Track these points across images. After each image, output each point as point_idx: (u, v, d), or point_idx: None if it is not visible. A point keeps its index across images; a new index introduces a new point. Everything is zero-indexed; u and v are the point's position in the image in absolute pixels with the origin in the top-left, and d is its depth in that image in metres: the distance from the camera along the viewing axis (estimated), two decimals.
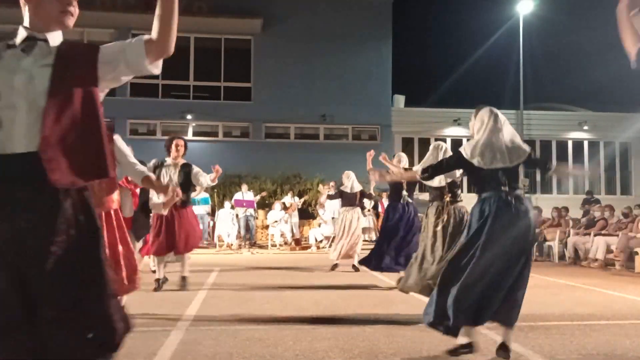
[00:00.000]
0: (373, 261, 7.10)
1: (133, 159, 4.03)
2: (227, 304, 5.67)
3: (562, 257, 11.20)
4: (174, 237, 6.19)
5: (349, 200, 8.99)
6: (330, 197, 10.33)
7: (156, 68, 2.04)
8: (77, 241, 1.85)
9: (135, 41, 2.00)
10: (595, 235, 10.50)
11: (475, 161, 3.59)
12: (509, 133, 3.66)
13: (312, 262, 10.23)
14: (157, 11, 1.96)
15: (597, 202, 15.09)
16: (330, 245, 13.65)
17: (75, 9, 2.01)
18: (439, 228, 5.21)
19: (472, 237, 3.51)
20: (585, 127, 20.06)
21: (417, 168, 5.10)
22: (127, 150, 4.06)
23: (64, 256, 1.82)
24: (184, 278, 6.56)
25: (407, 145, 19.80)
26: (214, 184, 6.77)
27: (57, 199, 1.85)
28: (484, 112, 3.73)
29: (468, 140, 3.87)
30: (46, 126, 1.84)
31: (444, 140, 19.82)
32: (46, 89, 1.87)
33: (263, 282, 7.34)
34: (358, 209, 9.03)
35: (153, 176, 4.11)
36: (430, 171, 3.86)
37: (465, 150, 3.66)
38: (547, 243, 11.59)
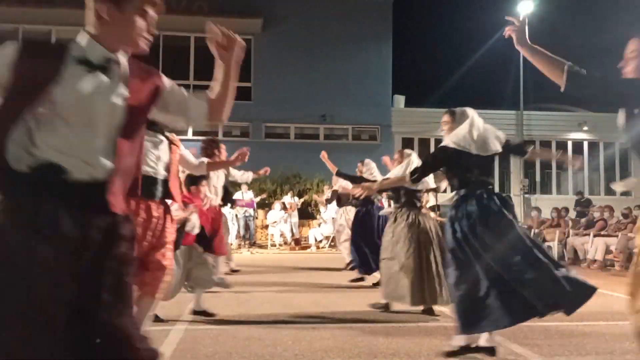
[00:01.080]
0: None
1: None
2: (226, 303, 5.67)
3: (561, 257, 11.17)
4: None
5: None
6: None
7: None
8: None
9: (199, 103, 2.01)
10: (594, 236, 10.50)
11: (471, 148, 3.55)
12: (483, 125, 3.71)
13: (312, 262, 10.23)
14: (218, 76, 1.99)
15: (589, 202, 15.11)
16: (329, 245, 13.68)
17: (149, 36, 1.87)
18: (404, 235, 5.06)
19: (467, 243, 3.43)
20: (585, 128, 20.05)
21: (394, 173, 5.01)
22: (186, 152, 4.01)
23: None
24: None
25: (407, 146, 19.77)
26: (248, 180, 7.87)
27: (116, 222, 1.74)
28: (462, 110, 3.77)
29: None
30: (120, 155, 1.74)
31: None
32: (121, 115, 1.75)
33: (263, 282, 7.34)
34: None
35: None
36: (420, 172, 3.82)
37: (451, 142, 3.62)
38: (547, 244, 11.56)
